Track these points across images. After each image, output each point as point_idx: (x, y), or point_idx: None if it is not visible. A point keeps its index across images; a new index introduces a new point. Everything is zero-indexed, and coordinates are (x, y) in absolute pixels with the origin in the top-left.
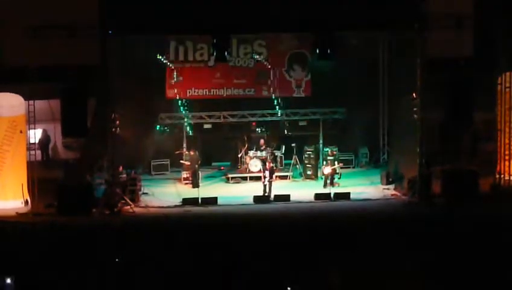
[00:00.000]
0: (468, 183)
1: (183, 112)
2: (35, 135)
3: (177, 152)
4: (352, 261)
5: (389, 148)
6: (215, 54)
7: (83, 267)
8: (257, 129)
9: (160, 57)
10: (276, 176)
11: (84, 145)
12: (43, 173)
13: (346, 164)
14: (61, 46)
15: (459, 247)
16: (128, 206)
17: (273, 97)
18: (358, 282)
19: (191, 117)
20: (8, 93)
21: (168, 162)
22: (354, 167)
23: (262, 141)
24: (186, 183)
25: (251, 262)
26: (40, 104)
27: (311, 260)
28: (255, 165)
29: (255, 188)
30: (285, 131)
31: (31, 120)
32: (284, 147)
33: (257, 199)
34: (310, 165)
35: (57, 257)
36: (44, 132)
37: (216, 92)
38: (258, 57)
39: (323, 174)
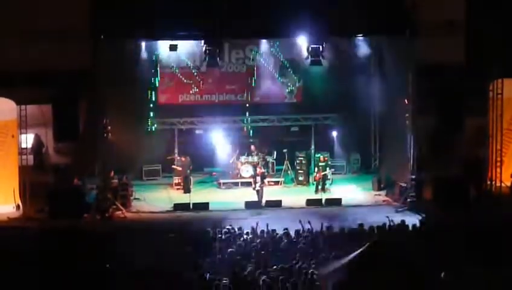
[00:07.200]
0: (459, 189)
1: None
2: (27, 139)
3: (169, 157)
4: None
5: (380, 154)
6: (207, 59)
7: (73, 272)
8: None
9: (152, 62)
10: (268, 181)
11: (75, 150)
12: (34, 178)
13: (338, 170)
14: (52, 51)
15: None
16: (120, 212)
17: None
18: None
19: (183, 122)
20: None
21: (160, 168)
22: (345, 173)
23: (253, 147)
24: (178, 189)
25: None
26: (31, 109)
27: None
28: (246, 171)
29: (247, 194)
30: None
31: (23, 125)
32: (275, 152)
33: (249, 205)
34: (301, 171)
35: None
36: (37, 136)
37: (208, 97)
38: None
39: (314, 180)
